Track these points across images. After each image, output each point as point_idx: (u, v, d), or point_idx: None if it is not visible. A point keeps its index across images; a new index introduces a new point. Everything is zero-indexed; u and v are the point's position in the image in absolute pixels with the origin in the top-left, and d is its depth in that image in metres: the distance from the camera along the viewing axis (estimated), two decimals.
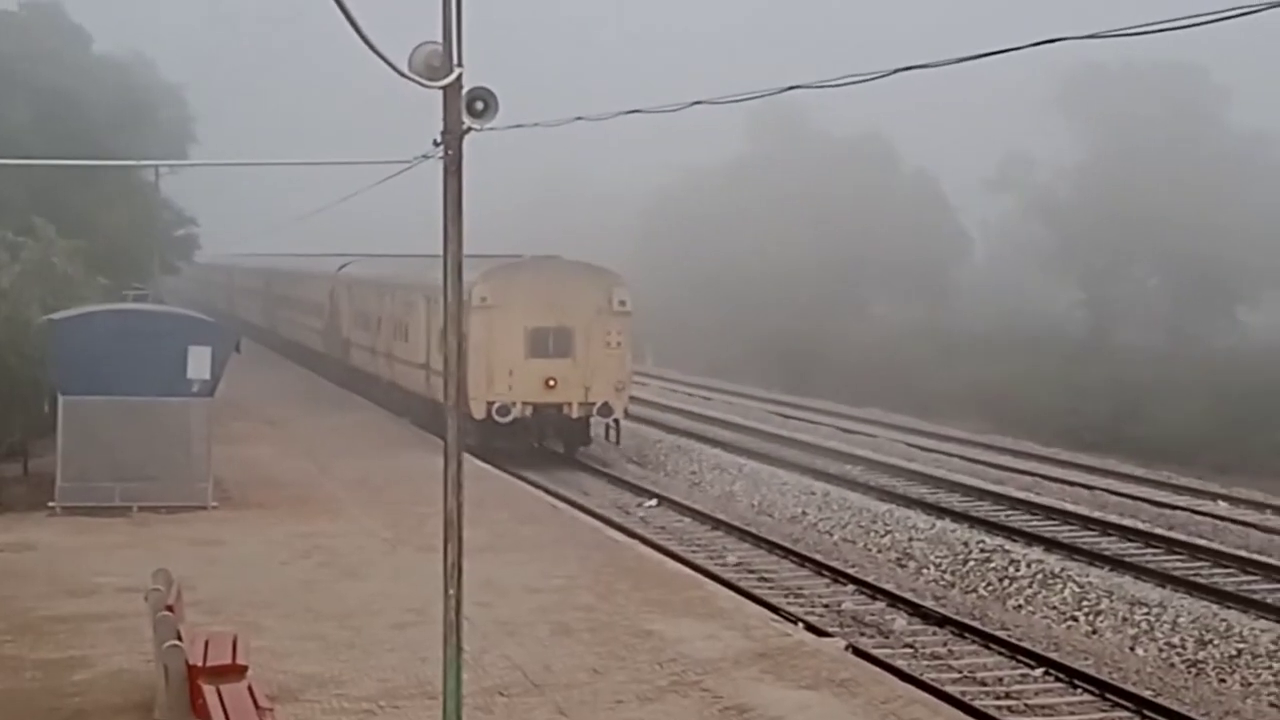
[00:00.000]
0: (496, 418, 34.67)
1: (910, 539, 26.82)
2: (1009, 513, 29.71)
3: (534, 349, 35.41)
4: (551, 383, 35.30)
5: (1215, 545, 26.43)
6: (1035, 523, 28.57)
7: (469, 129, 13.02)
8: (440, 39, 12.98)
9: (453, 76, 12.78)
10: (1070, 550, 25.67)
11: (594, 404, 35.72)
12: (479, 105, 12.90)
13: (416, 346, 39.74)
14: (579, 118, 16.14)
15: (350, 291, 49.53)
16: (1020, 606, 22.78)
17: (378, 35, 11.51)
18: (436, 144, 13.30)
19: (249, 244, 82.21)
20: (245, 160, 63.55)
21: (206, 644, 13.19)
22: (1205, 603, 21.78)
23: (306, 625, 17.56)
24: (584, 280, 36.52)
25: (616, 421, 36.43)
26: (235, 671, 12.69)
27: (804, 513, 30.18)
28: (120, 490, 24.99)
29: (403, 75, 12.50)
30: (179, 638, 12.37)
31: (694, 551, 26.03)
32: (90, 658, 15.97)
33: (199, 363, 25.53)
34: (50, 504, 24.94)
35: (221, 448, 27.69)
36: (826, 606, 22.29)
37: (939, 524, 27.73)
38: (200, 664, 12.50)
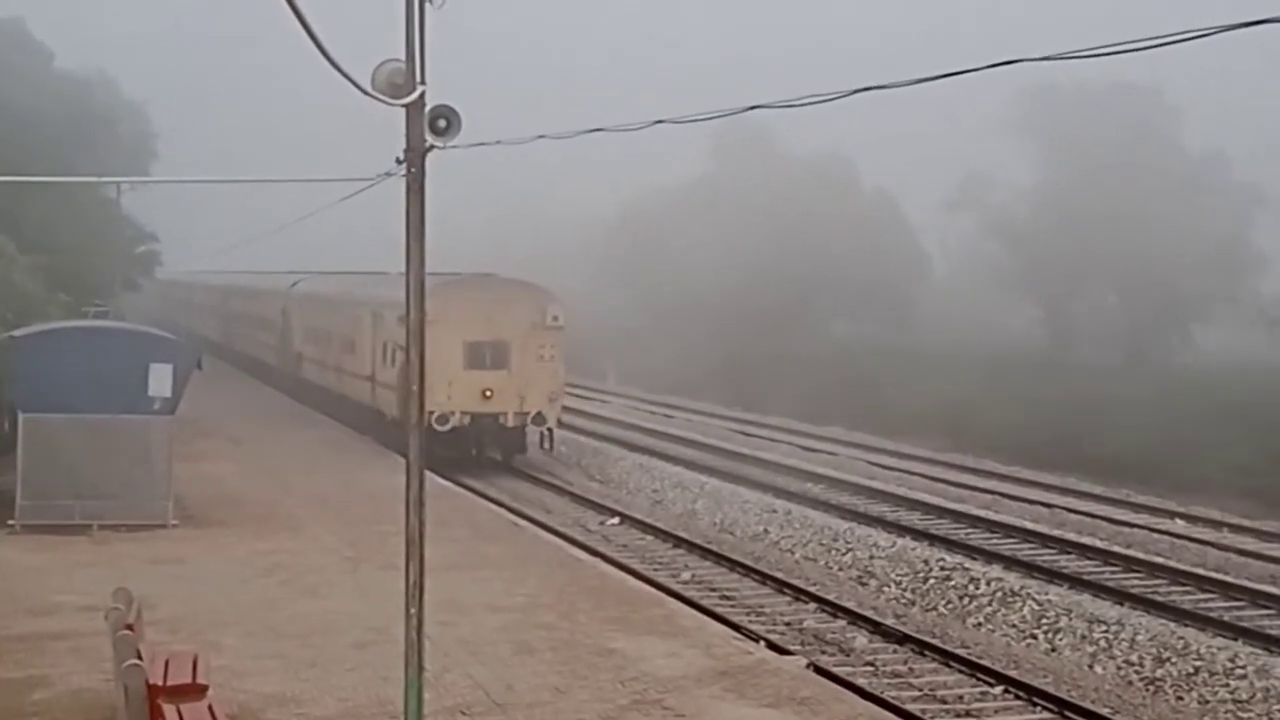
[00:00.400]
0: (436, 426, 34.97)
1: (871, 557, 26.93)
2: (969, 531, 29.87)
3: (471, 361, 36.98)
4: (488, 393, 36.90)
5: (1173, 563, 26.64)
6: (995, 541, 28.74)
7: (431, 147, 13.07)
8: (403, 56, 13.06)
9: (415, 94, 12.84)
10: (1029, 568, 25.82)
11: (528, 413, 37.58)
12: (441, 123, 12.96)
13: (363, 360, 41.48)
14: (542, 136, 16.20)
15: (301, 307, 51.12)
16: (980, 624, 22.90)
17: (341, 53, 11.55)
18: (399, 161, 13.35)
19: (211, 260, 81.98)
20: (207, 177, 63.37)
21: (167, 663, 13.15)
22: (1163, 620, 21.95)
23: (267, 644, 17.51)
24: (519, 297, 38.25)
25: (550, 430, 38.12)
26: (196, 691, 12.66)
27: (766, 531, 30.26)
28: (81, 508, 24.86)
29: (366, 93, 12.55)
30: (139, 657, 12.33)
31: (656, 569, 26.07)
32: (50, 677, 15.88)
33: (160, 380, 25.43)
34: (10, 522, 24.78)
35: (182, 465, 27.59)
36: (788, 624, 22.36)
37: (900, 542, 27.85)
38: (160, 683, 12.46)
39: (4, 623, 18.32)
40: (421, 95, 12.88)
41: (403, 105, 12.83)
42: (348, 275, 48.46)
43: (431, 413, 34.13)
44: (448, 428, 36.13)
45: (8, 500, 25.36)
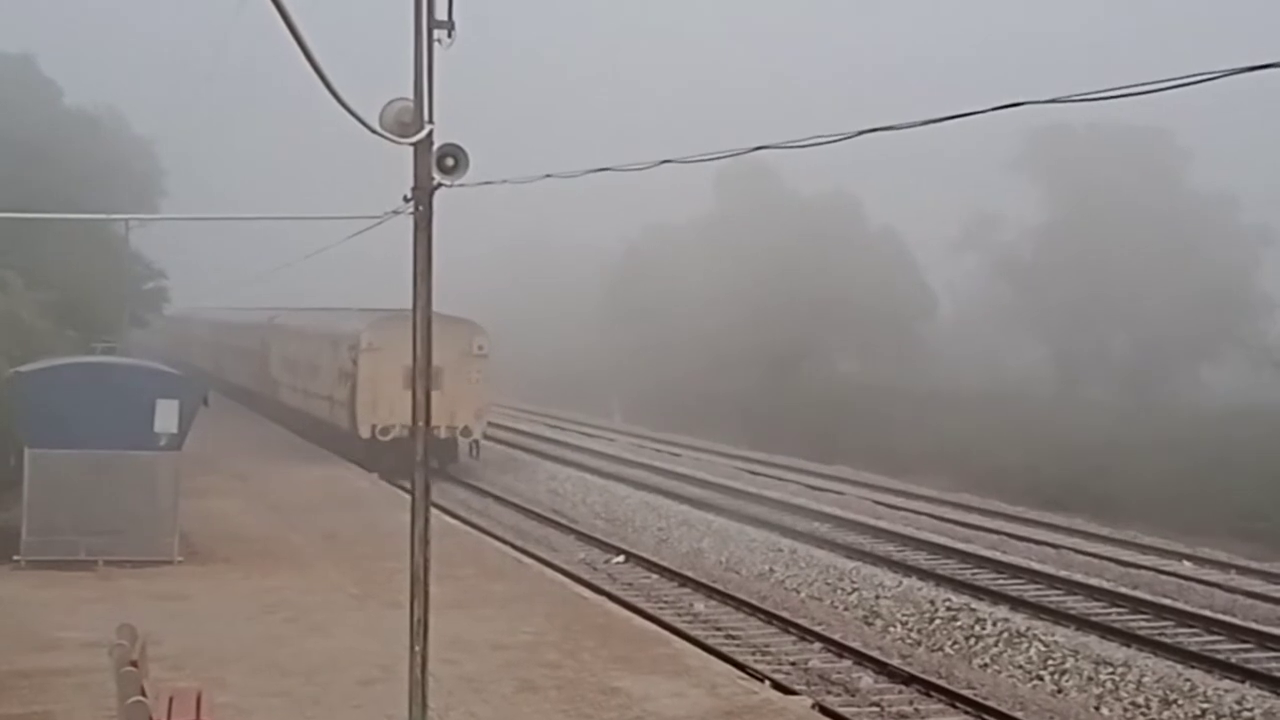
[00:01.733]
0: (379, 437, 43.15)
1: (877, 597, 26.86)
2: (975, 571, 29.78)
3: (410, 383, 36.33)
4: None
5: (1180, 605, 26.54)
6: (1001, 581, 28.66)
7: (439, 185, 13.13)
8: (411, 94, 13.13)
9: (423, 133, 12.92)
10: (1036, 609, 25.75)
11: (458, 427, 43.82)
12: (449, 161, 13.04)
13: (324, 383, 48.70)
14: (549, 175, 16.24)
15: (276, 340, 58.09)
16: (986, 665, 22.82)
17: (349, 88, 11.60)
18: (407, 199, 13.41)
19: (217, 297, 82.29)
20: (215, 215, 63.54)
21: (171, 700, 13.11)
22: (1170, 662, 21.86)
23: (272, 681, 17.47)
24: (452, 329, 40.93)
25: (476, 442, 44.67)
26: None
27: (771, 570, 30.19)
28: (86, 544, 24.84)
29: (374, 132, 12.62)
30: (143, 693, 12.27)
31: (661, 608, 26.01)
32: (53, 713, 15.85)
33: (166, 416, 25.46)
34: (15, 557, 24.76)
35: (187, 501, 27.56)
36: (793, 664, 22.28)
37: (906, 582, 27.78)
38: None
39: (8, 658, 18.28)
40: (429, 134, 12.96)
41: (410, 144, 12.91)
42: (315, 311, 55.15)
43: (375, 425, 43.36)
44: (389, 438, 42.44)
45: (13, 535, 25.34)
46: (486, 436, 46.75)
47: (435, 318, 37.58)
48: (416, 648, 12.69)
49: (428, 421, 12.96)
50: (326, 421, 48.08)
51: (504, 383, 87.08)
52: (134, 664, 12.94)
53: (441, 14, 12.92)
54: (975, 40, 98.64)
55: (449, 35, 12.99)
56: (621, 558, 31.58)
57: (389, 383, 41.44)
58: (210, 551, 27.02)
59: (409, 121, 12.87)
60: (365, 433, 43.64)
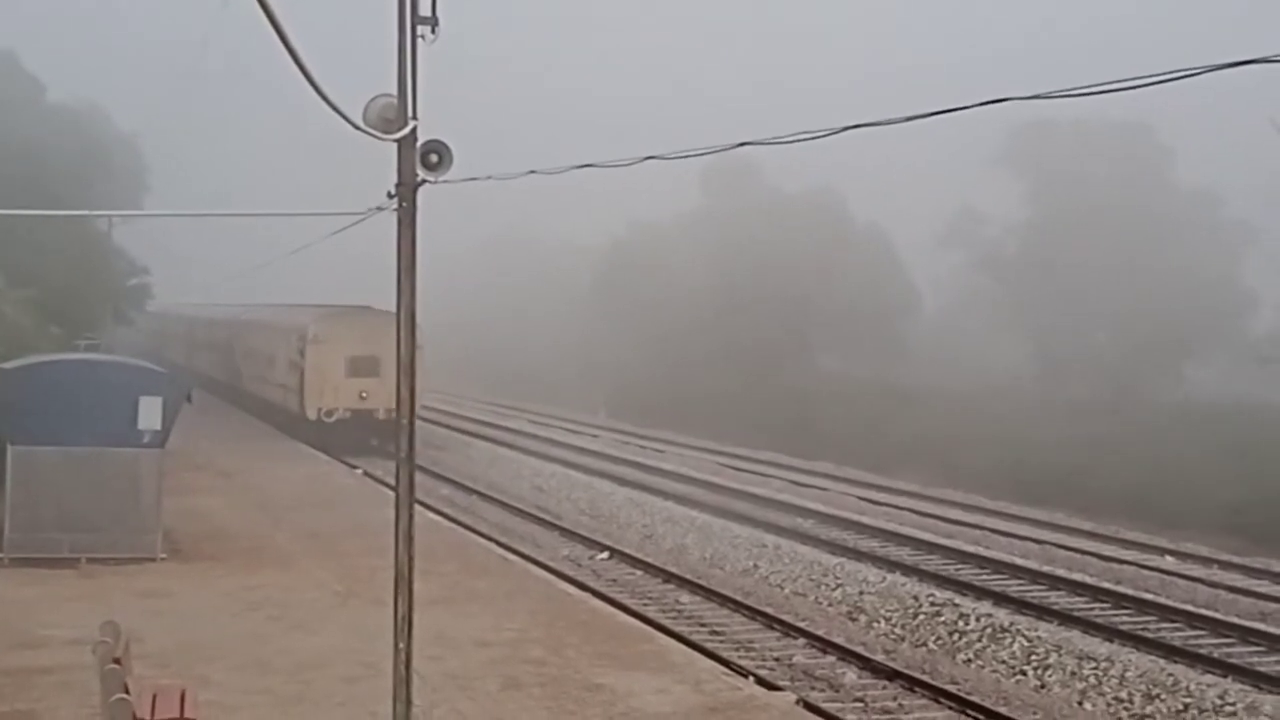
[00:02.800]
0: (325, 419, 48.63)
1: (861, 593, 26.89)
2: (959, 567, 29.86)
3: (352, 371, 48.63)
4: (364, 394, 48.24)
5: (1162, 600, 26.64)
6: (985, 577, 28.73)
7: (423, 181, 13.12)
8: (394, 91, 13.12)
9: (407, 129, 12.91)
10: (1019, 604, 25.82)
11: (393, 409, 41.36)
12: (433, 158, 13.03)
13: (278, 372, 53.98)
14: (533, 171, 16.24)
15: (239, 334, 63.51)
16: (970, 660, 22.86)
17: (334, 85, 11.58)
18: (391, 196, 13.40)
19: (201, 294, 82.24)
20: (198, 211, 63.42)
21: (155, 697, 13.09)
22: (1152, 657, 21.94)
23: (256, 678, 17.45)
24: (388, 323, 42.06)
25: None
26: None
27: (756, 566, 30.21)
28: (69, 541, 24.76)
29: (358, 128, 12.61)
30: (126, 691, 12.27)
31: (646, 604, 26.02)
32: (37, 711, 15.81)
33: (150, 413, 25.39)
34: None
35: (171, 498, 27.47)
36: (777, 660, 22.31)
37: (889, 578, 27.82)
38: (148, 717, 12.41)
39: None
40: (413, 130, 12.94)
41: (394, 140, 12.89)
42: (273, 307, 59.86)
43: (321, 408, 48.63)
44: (333, 419, 48.49)
45: None
46: (471, 433, 50.96)
47: (376, 314, 39.25)
48: (401, 644, 12.69)
49: (412, 417, 12.96)
50: (280, 406, 53.26)
51: (489, 379, 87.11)
52: (117, 661, 12.93)
53: (425, 10, 12.91)
54: (962, 37, 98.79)
55: (433, 31, 12.98)
56: (606, 554, 31.60)
57: (333, 371, 48.45)
58: (194, 549, 26.98)
59: (393, 118, 12.86)
60: (312, 415, 49.08)
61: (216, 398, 62.20)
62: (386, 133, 12.83)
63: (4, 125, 41.35)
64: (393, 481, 14.55)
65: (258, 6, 8.70)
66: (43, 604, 21.68)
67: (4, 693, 16.58)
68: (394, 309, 43.00)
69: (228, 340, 65.50)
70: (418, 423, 43.41)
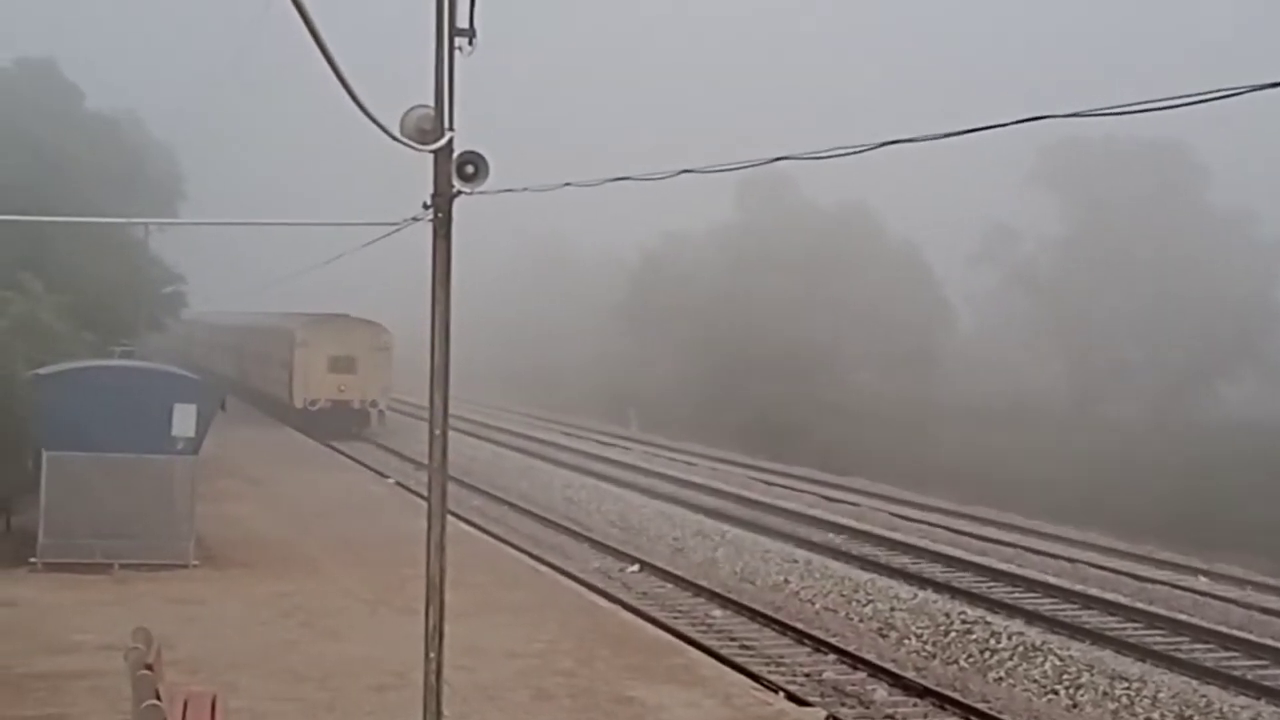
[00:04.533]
0: (309, 408, 58.05)
1: (892, 609, 26.80)
2: (991, 584, 29.70)
3: (332, 368, 58.28)
4: (342, 388, 58.27)
5: (1196, 621, 26.43)
6: (1017, 595, 28.57)
7: (459, 192, 13.13)
8: (431, 101, 13.14)
9: (443, 140, 12.93)
10: (1052, 623, 25.67)
11: (367, 400, 58.72)
12: (469, 169, 13.05)
13: (273, 369, 63.00)
14: (568, 184, 16.24)
15: (246, 338, 73.03)
16: (1001, 679, 22.75)
17: (370, 95, 11.61)
18: (426, 206, 13.42)
19: (234, 302, 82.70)
20: (233, 220, 63.70)
21: (185, 703, 13.13)
22: (1185, 678, 21.79)
23: (286, 686, 17.49)
24: (363, 329, 59.70)
25: (381, 412, 58.93)
26: None
27: (786, 580, 30.14)
28: (102, 547, 24.88)
29: (394, 138, 12.64)
30: (158, 697, 12.30)
31: (676, 618, 25.97)
32: (69, 716, 15.89)
33: (184, 420, 25.52)
34: (32, 560, 24.83)
35: (202, 505, 27.57)
36: (808, 675, 22.24)
37: (921, 594, 27.71)
38: None
39: (24, 661, 18.33)
40: (449, 141, 12.97)
41: (430, 151, 12.92)
42: (273, 315, 68.62)
43: (306, 399, 58.17)
44: (316, 408, 57.89)
45: (30, 538, 25.42)
46: (503, 444, 54.68)
47: (353, 321, 54.43)
48: (431, 654, 12.69)
49: (445, 428, 12.95)
50: (275, 397, 62.23)
51: (521, 389, 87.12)
52: (149, 667, 12.97)
53: (463, 22, 12.93)
54: (997, 53, 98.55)
55: (470, 43, 13.00)
56: (636, 567, 31.57)
57: (316, 369, 58.13)
58: (225, 556, 27.06)
59: (429, 129, 12.89)
60: (299, 404, 58.36)
61: (234, 398, 63.12)
62: (423, 143, 12.86)
63: (42, 133, 41.54)
64: (424, 491, 14.56)
65: (297, 16, 8.73)
66: (75, 609, 21.78)
67: (36, 697, 16.66)
68: (368, 319, 54.52)
69: (237, 344, 75.05)
70: (390, 414, 53.68)
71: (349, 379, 57.98)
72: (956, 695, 21.24)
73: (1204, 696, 20.52)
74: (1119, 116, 10.17)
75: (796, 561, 31.42)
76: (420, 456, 47.25)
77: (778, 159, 13.75)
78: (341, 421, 57.24)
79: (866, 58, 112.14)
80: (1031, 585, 29.54)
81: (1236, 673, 22.37)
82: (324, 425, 56.48)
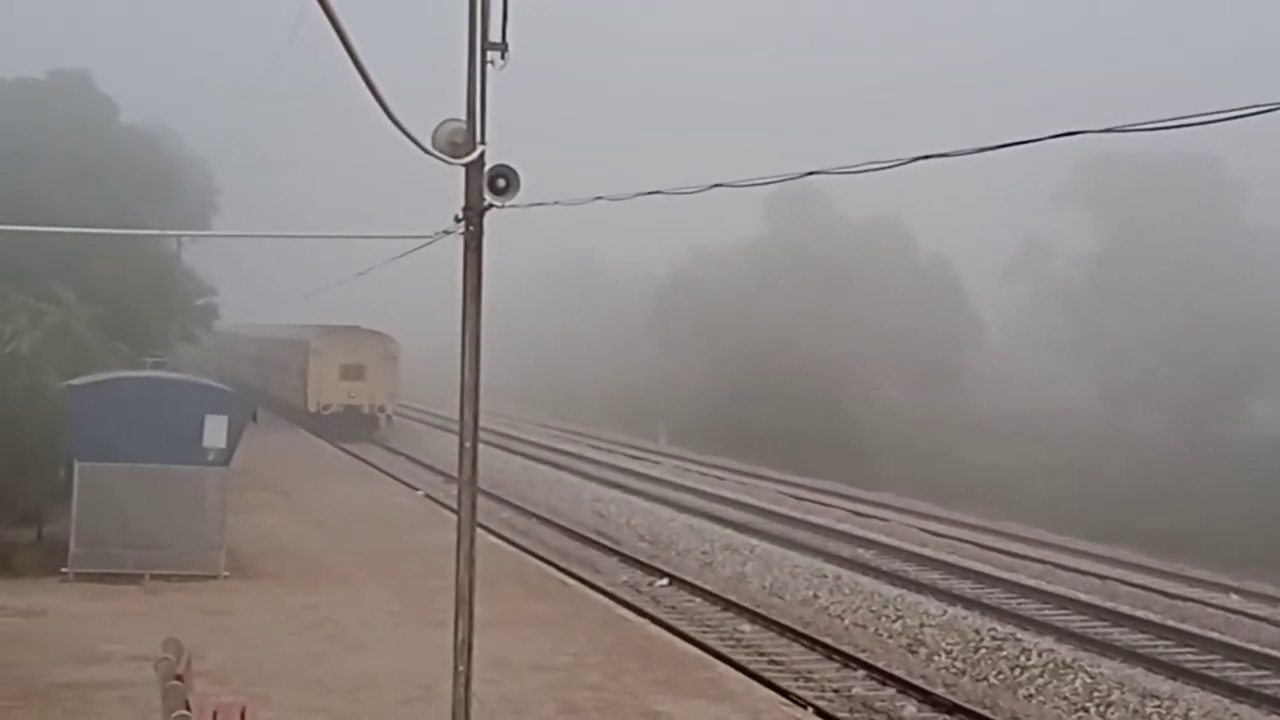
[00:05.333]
0: (321, 411, 62.86)
1: (922, 625, 26.71)
2: (1021, 601, 29.57)
3: (343, 375, 63.43)
4: (352, 394, 63.33)
5: (1227, 639, 26.26)
6: (1047, 611, 28.44)
7: (490, 206, 13.15)
8: (463, 115, 13.17)
9: (475, 154, 12.95)
10: (1082, 640, 25.55)
11: (375, 405, 63.64)
12: (501, 183, 13.07)
13: (289, 376, 67.85)
14: (599, 198, 16.24)
15: (266, 348, 77.47)
16: (1031, 696, 22.63)
17: (401, 110, 11.63)
18: (458, 220, 13.44)
19: (266, 314, 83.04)
20: (266, 232, 63.92)
21: (215, 714, 13.14)
22: (1217, 696, 21.66)
23: (314, 697, 17.52)
24: (372, 339, 64.66)
25: (389, 417, 64.44)
26: None
27: (815, 596, 30.07)
28: (133, 557, 24.99)
29: (426, 152, 12.66)
30: (188, 707, 12.33)
31: (704, 632, 25.93)
32: None
33: (215, 431, 25.61)
34: (63, 570, 24.96)
35: (232, 516, 27.61)
36: (836, 691, 22.17)
37: (950, 611, 27.62)
38: None
39: (54, 670, 18.41)
40: (481, 155, 12.99)
41: (462, 164, 12.94)
42: (290, 327, 72.39)
43: (319, 403, 63.09)
44: (328, 412, 62.67)
45: (61, 548, 25.54)
46: (532, 457, 55.73)
47: (363, 332, 58.01)
48: (460, 667, 12.69)
49: (475, 441, 12.96)
50: (291, 402, 66.25)
51: (550, 402, 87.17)
52: (179, 678, 12.99)
53: (495, 36, 12.96)
54: (1031, 68, 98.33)
55: (502, 57, 13.04)
56: (665, 580, 31.53)
57: (328, 376, 63.19)
58: (255, 567, 27.14)
59: (461, 142, 12.92)
60: (313, 408, 63.24)
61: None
62: (455, 157, 12.89)
63: (77, 145, 41.78)
64: (453, 504, 14.58)
65: (330, 30, 8.76)
66: (106, 619, 21.87)
67: (66, 706, 16.72)
68: (378, 330, 59.78)
69: (258, 354, 79.41)
70: (397, 418, 58.31)
71: (358, 385, 63.28)
72: (986, 712, 21.15)
73: (1236, 715, 20.41)
74: (1154, 132, 10.12)
75: (825, 576, 31.35)
76: (440, 464, 47.97)
77: (810, 173, 13.74)
78: (351, 425, 62.02)
79: (899, 70, 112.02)
80: (1062, 602, 29.41)
81: (1269, 691, 22.21)
82: (335, 428, 61.27)
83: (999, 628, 25.97)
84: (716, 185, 14.11)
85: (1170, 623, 27.49)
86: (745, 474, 56.77)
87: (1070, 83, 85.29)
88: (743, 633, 26.30)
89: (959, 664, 24.58)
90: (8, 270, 31.61)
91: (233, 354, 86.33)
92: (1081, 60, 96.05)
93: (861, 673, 23.32)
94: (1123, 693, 21.73)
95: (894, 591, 29.61)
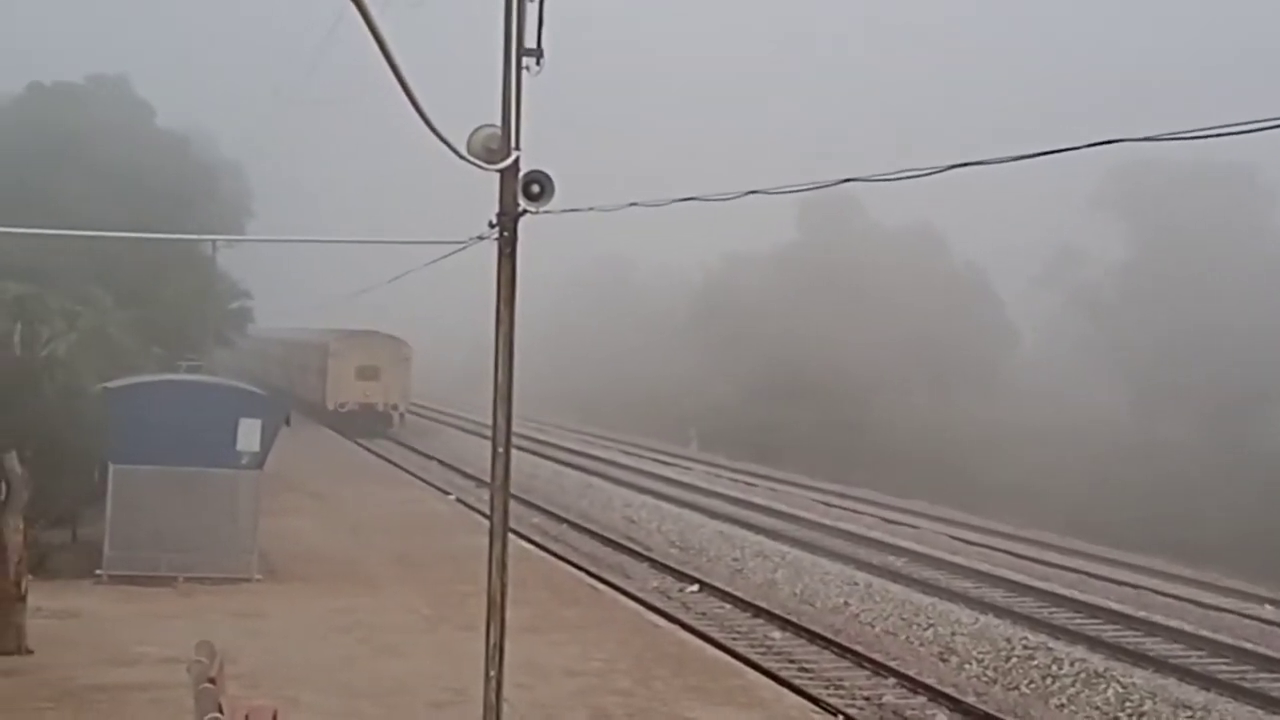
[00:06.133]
0: (339, 409, 67.04)
1: (953, 633, 26.62)
2: (1053, 610, 29.45)
3: (360, 376, 67.90)
4: (368, 393, 67.86)
5: (1262, 649, 26.09)
6: (1079, 620, 28.33)
7: (524, 211, 13.18)
8: (498, 120, 13.20)
9: (510, 160, 12.99)
10: (1114, 650, 25.44)
11: (389, 403, 68.29)
12: (535, 188, 13.10)
13: (310, 376, 71.85)
14: (634, 204, 16.26)
15: (291, 351, 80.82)
16: (1063, 706, 22.54)
17: (437, 113, 11.67)
18: (492, 225, 13.48)
19: (300, 318, 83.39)
20: (300, 237, 64.15)
21: (247, 717, 13.23)
22: (1250, 708, 21.55)
23: (345, 701, 17.56)
24: (387, 343, 69.47)
25: (402, 415, 68.90)
26: None
27: (846, 603, 30.00)
28: (166, 560, 25.10)
29: (461, 157, 12.70)
30: (220, 710, 12.38)
31: (735, 639, 25.90)
32: None
33: (249, 435, 25.72)
34: (97, 572, 25.09)
35: (265, 519, 27.69)
36: (867, 699, 22.12)
37: (982, 619, 27.53)
38: None
39: (87, 672, 18.50)
40: (516, 160, 13.02)
41: (497, 170, 12.98)
42: (311, 330, 77.31)
43: (337, 401, 67.48)
44: (345, 410, 66.82)
45: (95, 550, 25.67)
46: (563, 462, 56.19)
47: (378, 336, 73.13)
48: (492, 672, 12.72)
49: (508, 445, 12.99)
50: (312, 400, 68.70)
51: (582, 407, 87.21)
52: (212, 681, 13.06)
53: (530, 42, 12.99)
54: (1064, 75, 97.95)
55: (537, 63, 13.07)
56: (695, 587, 31.51)
57: (345, 376, 67.62)
58: (288, 570, 27.23)
59: (496, 148, 12.95)
60: (331, 406, 67.31)
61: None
62: (490, 162, 12.93)
63: (113, 150, 42.04)
64: (485, 508, 14.61)
65: (367, 35, 8.81)
66: (139, 621, 21.97)
67: (99, 709, 16.81)
68: (392, 335, 64.94)
69: (284, 356, 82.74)
70: (410, 416, 62.80)
71: (373, 385, 67.88)
72: None
73: None
74: (1187, 140, 10.09)
75: (856, 584, 31.30)
76: (470, 468, 48.08)
77: (845, 180, 13.74)
78: (367, 422, 66.07)
79: (932, 77, 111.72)
80: (1094, 611, 29.28)
81: None
82: (352, 425, 65.33)
83: (1031, 637, 25.89)
84: (751, 192, 14.11)
85: (1204, 633, 27.35)
86: (776, 480, 56.68)
87: (1104, 88, 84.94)
88: (773, 640, 26.27)
89: (990, 672, 24.50)
90: (45, 274, 31.82)
91: (262, 356, 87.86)
92: (1117, 66, 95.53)
93: (892, 680, 23.27)
94: (1155, 703, 21.62)
95: (925, 599, 29.53)
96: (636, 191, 18.45)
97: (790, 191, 14.37)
